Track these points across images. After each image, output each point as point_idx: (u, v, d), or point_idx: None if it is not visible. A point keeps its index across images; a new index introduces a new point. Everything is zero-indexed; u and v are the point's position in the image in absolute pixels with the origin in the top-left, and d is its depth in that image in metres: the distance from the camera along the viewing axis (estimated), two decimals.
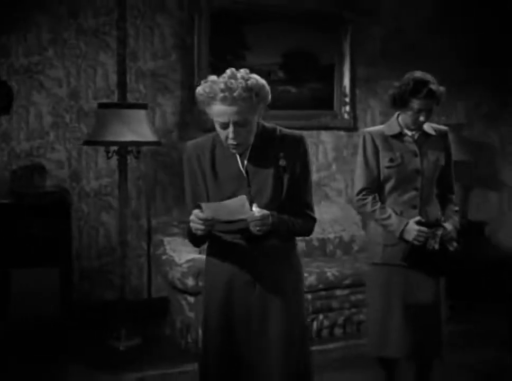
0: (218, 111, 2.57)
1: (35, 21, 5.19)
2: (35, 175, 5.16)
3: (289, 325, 2.73)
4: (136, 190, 5.53)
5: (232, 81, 2.52)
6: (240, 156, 2.69)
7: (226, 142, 2.62)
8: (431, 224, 3.52)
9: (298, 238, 2.88)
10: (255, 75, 2.61)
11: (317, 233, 5.78)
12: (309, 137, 6.03)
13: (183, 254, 5.05)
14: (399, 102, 3.51)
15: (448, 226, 3.55)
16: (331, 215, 5.99)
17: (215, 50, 5.64)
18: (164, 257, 5.12)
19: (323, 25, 6.03)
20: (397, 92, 3.51)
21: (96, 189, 5.46)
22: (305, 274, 5.10)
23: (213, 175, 2.71)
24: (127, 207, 5.11)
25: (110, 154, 4.93)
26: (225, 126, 2.58)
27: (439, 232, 3.51)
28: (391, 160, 3.53)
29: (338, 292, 5.23)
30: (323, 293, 5.16)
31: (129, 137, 4.80)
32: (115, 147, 4.96)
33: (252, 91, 2.54)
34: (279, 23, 5.85)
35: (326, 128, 6.18)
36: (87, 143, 4.91)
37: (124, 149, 4.97)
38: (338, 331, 5.26)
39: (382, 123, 6.41)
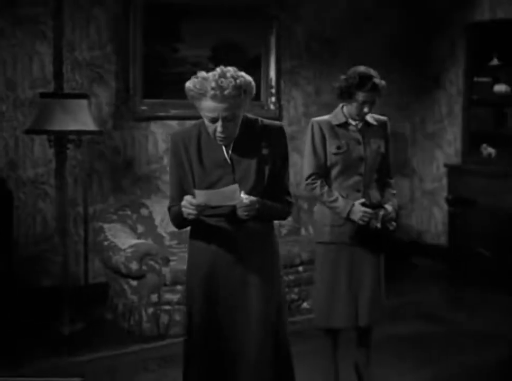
0: (208, 107, 2.70)
1: None
2: None
3: (268, 300, 2.93)
4: (72, 178, 5.63)
5: (223, 79, 2.67)
6: (225, 145, 2.87)
7: (214, 135, 2.78)
8: (374, 206, 3.86)
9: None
10: (243, 73, 2.76)
11: None
12: None
13: (124, 240, 5.22)
14: (346, 95, 3.80)
15: (388, 207, 3.89)
16: None
17: (149, 42, 5.82)
18: (105, 243, 5.26)
19: (250, 20, 6.31)
20: (344, 85, 3.80)
21: (32, 178, 5.52)
22: None
23: (200, 162, 2.87)
24: (65, 195, 5.22)
25: (51, 143, 5.03)
26: (214, 120, 2.73)
27: (381, 213, 3.85)
28: (338, 148, 3.83)
29: None
30: None
31: (72, 126, 4.93)
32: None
33: (241, 89, 2.70)
34: (210, 17, 6.08)
35: None
36: (30, 131, 5.00)
37: (65, 138, 5.07)
38: None
39: (303, 113, 6.83)
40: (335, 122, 3.89)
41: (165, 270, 5.06)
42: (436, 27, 7.27)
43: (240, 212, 2.77)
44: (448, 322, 5.39)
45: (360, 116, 3.86)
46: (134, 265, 4.97)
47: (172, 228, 5.64)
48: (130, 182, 5.91)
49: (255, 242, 2.93)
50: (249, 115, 2.93)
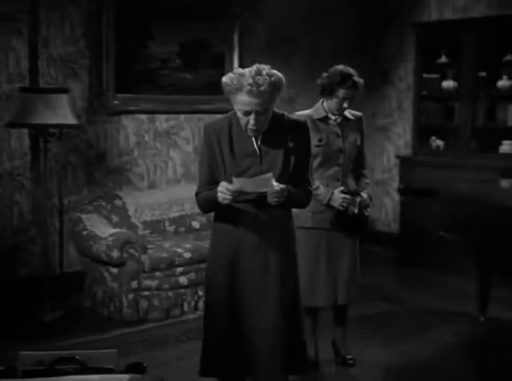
0: (244, 101, 2.97)
1: None
2: None
3: (286, 283, 3.22)
4: (48, 171, 5.78)
5: (259, 77, 2.93)
6: (255, 137, 3.13)
7: (246, 127, 3.05)
8: (352, 193, 4.22)
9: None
10: (276, 71, 3.04)
11: None
12: (203, 120, 6.60)
13: (103, 229, 5.44)
14: (327, 91, 4.13)
15: (364, 195, 4.26)
16: None
17: (121, 39, 6.01)
18: (84, 233, 5.46)
19: (216, 18, 6.58)
20: (326, 82, 4.13)
21: (9, 170, 5.66)
22: None
23: (231, 152, 3.11)
24: (41, 187, 5.40)
25: (37, 136, 5.21)
26: (247, 114, 3.00)
27: (358, 200, 4.22)
28: (320, 140, 4.15)
29: None
30: None
31: (53, 120, 5.12)
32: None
33: (275, 86, 2.98)
34: (177, 16, 6.33)
35: (219, 112, 6.68)
36: (12, 125, 5.17)
37: (46, 131, 5.25)
38: None
39: None
40: (316, 116, 4.21)
41: (144, 257, 5.30)
42: (386, 26, 7.69)
43: (271, 199, 3.03)
44: (407, 302, 5.82)
45: (340, 111, 4.20)
46: (115, 253, 5.19)
47: (145, 218, 5.93)
48: (103, 174, 6.10)
49: (277, 227, 3.20)
50: (276, 110, 3.18)
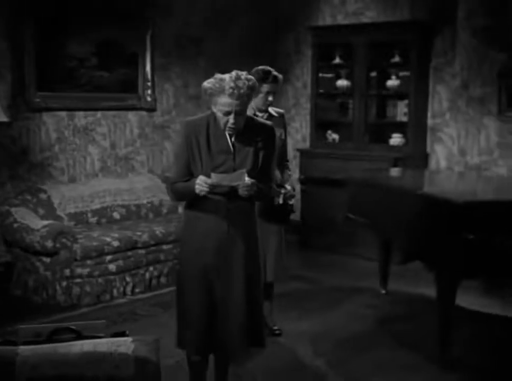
0: (225, 102, 3.38)
1: None
2: None
3: (251, 259, 3.66)
4: None
5: (239, 81, 3.35)
6: (229, 135, 3.55)
7: (226, 126, 3.45)
8: (277, 185, 4.72)
9: None
10: (251, 76, 3.46)
11: (132, 199, 6.75)
12: (118, 117, 6.95)
13: (36, 222, 5.71)
14: None
15: (288, 186, 4.79)
16: (142, 184, 6.95)
17: (40, 40, 6.25)
18: (15, 225, 5.72)
19: (130, 21, 6.96)
20: None
21: None
22: (139, 233, 6.08)
23: (207, 148, 3.51)
24: None
25: None
26: (227, 114, 3.41)
27: (282, 191, 4.73)
28: None
29: (164, 246, 6.24)
30: (153, 248, 6.14)
31: None
32: None
33: (252, 89, 3.42)
34: (94, 18, 6.66)
35: (132, 108, 7.11)
36: None
37: None
38: (163, 279, 6.26)
39: (173, 104, 7.54)
40: None
41: (76, 246, 5.63)
42: (285, 29, 8.29)
43: (242, 191, 3.46)
44: (316, 282, 6.45)
45: (266, 106, 4.71)
46: (49, 243, 5.49)
47: (70, 210, 6.24)
48: (26, 169, 6.33)
49: (243, 216, 3.64)
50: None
